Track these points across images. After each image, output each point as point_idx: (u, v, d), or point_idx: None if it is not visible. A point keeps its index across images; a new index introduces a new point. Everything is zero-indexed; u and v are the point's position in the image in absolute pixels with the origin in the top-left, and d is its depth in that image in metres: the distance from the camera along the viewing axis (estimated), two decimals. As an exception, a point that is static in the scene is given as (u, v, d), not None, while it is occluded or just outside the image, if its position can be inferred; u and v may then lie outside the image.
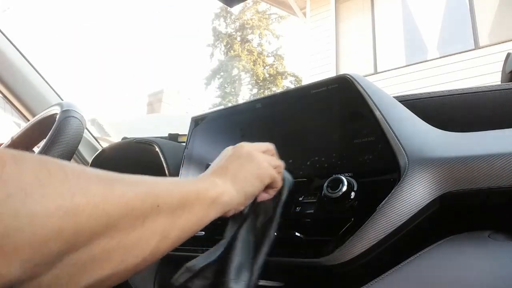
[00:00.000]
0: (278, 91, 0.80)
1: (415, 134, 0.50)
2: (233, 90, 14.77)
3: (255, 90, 14.31)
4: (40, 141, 0.96)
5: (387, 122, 0.48)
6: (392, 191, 0.43)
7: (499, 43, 4.00)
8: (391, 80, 4.51)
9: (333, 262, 0.43)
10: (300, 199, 0.51)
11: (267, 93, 11.90)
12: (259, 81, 14.09)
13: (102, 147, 1.22)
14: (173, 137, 1.08)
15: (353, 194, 0.45)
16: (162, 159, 0.80)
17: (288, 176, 0.49)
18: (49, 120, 0.88)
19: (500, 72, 0.74)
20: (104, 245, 0.25)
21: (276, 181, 0.45)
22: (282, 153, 0.49)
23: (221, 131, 0.70)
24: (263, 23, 14.15)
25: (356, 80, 0.54)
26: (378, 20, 4.99)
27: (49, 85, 1.14)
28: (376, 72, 4.81)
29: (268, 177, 0.43)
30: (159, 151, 0.83)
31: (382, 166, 0.46)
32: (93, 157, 1.08)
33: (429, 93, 0.64)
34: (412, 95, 0.65)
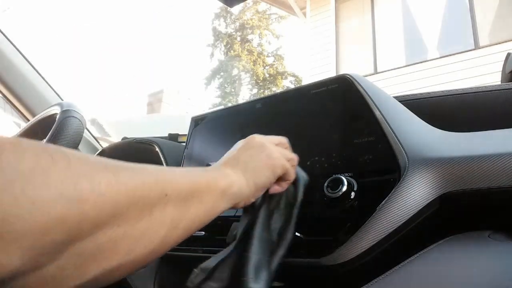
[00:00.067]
0: (278, 91, 0.80)
1: (415, 134, 0.50)
2: (233, 90, 14.77)
3: (255, 90, 14.31)
4: (40, 141, 0.96)
5: (387, 122, 0.48)
6: (392, 191, 0.43)
7: (499, 43, 4.00)
8: (391, 80, 4.51)
9: (333, 262, 0.43)
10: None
11: (267, 93, 11.90)
12: (259, 81, 14.09)
13: (102, 147, 1.22)
14: (173, 137, 1.08)
15: (353, 194, 0.45)
16: (162, 159, 0.80)
17: (303, 174, 0.48)
18: (49, 120, 0.88)
19: (500, 72, 0.74)
20: (110, 235, 0.24)
21: (289, 173, 0.44)
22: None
23: (221, 131, 0.70)
24: (263, 23, 14.15)
25: (356, 80, 0.54)
26: (378, 20, 4.99)
27: (49, 85, 1.15)
28: (376, 72, 4.81)
29: (280, 167, 0.42)
30: (159, 151, 0.83)
31: (382, 166, 0.46)
32: (93, 157, 1.08)
33: (429, 93, 0.64)
34: (412, 95, 0.65)
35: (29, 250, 0.20)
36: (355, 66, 4.93)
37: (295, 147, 0.48)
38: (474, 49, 4.20)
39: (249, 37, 14.49)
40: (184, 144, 0.75)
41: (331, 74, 3.60)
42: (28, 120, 1.08)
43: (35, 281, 0.21)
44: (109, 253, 0.25)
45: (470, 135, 0.51)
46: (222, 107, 0.79)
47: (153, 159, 0.82)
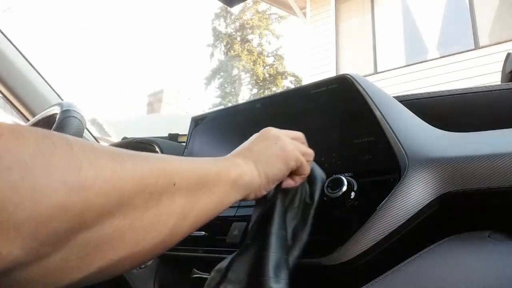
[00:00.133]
0: (278, 91, 0.80)
1: (415, 134, 0.50)
2: (233, 90, 14.77)
3: (255, 90, 14.31)
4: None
5: (387, 122, 0.48)
6: (392, 191, 0.43)
7: (499, 43, 4.00)
8: (391, 80, 4.51)
9: (333, 262, 0.43)
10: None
11: (267, 93, 11.90)
12: (259, 81, 14.09)
13: (102, 147, 1.21)
14: (173, 137, 1.09)
15: (353, 194, 0.45)
16: (162, 159, 0.80)
17: (321, 173, 0.46)
18: (49, 120, 0.88)
19: (500, 72, 0.74)
20: (116, 225, 0.23)
21: (303, 167, 0.42)
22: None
23: (221, 131, 0.70)
24: (263, 23, 14.15)
25: (356, 80, 0.54)
26: (378, 20, 4.99)
27: (49, 85, 1.15)
28: (376, 72, 4.81)
29: (293, 160, 0.40)
30: (159, 151, 0.83)
31: (382, 166, 0.46)
32: (93, 157, 1.08)
33: (429, 93, 0.64)
34: (412, 95, 0.65)
35: (30, 239, 0.19)
36: (355, 66, 4.93)
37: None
38: (474, 49, 4.19)
39: (249, 37, 14.49)
40: (184, 144, 0.75)
41: (331, 74, 3.61)
42: (28, 120, 1.08)
43: (38, 272, 0.20)
44: (115, 244, 0.24)
45: (470, 135, 0.51)
46: (222, 107, 0.79)
47: (153, 159, 0.81)
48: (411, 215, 0.42)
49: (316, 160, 0.53)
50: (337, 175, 0.47)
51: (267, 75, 14.18)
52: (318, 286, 0.50)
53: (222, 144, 0.69)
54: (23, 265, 0.19)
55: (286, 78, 14.12)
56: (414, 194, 0.43)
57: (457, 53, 4.28)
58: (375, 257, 0.42)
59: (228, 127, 0.69)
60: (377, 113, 0.50)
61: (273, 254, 0.37)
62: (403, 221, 0.42)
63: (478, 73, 3.94)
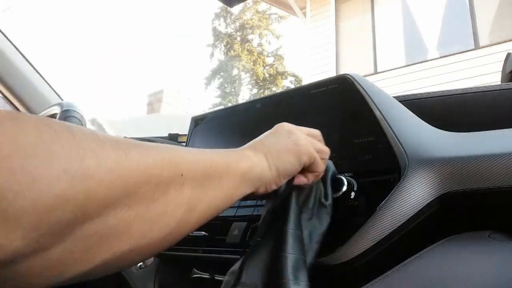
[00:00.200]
0: (278, 91, 0.80)
1: (415, 134, 0.50)
2: (233, 90, 14.78)
3: (255, 90, 14.32)
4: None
5: (387, 122, 0.48)
6: (392, 191, 0.43)
7: (499, 43, 4.00)
8: (391, 80, 4.51)
9: (333, 262, 0.43)
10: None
11: (267, 93, 11.90)
12: (259, 81, 14.09)
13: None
14: (173, 137, 1.09)
15: (353, 194, 0.45)
16: (162, 159, 0.80)
17: (336, 172, 0.45)
18: (49, 120, 0.88)
19: (500, 72, 0.74)
20: (122, 216, 0.22)
21: (317, 163, 0.40)
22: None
23: (221, 131, 0.70)
24: (263, 23, 14.16)
25: (356, 80, 0.54)
26: (378, 20, 4.99)
27: (49, 85, 1.15)
28: (376, 72, 4.81)
29: (306, 155, 0.39)
30: (159, 151, 0.83)
31: (382, 166, 0.46)
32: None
33: (429, 93, 0.64)
34: (412, 95, 0.65)
35: (31, 229, 0.18)
36: (355, 66, 4.93)
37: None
38: (474, 49, 4.20)
39: (249, 37, 14.50)
40: (184, 144, 0.75)
41: (331, 74, 3.61)
42: (28, 120, 1.08)
43: (40, 264, 0.20)
44: (121, 236, 0.23)
45: (470, 135, 0.51)
46: (222, 107, 0.79)
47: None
48: (411, 215, 0.42)
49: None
50: (337, 175, 0.47)
51: (267, 75, 14.18)
52: (318, 286, 0.50)
53: (222, 144, 0.69)
54: (24, 256, 0.19)
55: (286, 78, 14.13)
56: (414, 194, 0.43)
57: (457, 53, 4.29)
58: (375, 257, 0.42)
59: (228, 127, 0.69)
60: (377, 113, 0.50)
61: (291, 255, 0.36)
62: (403, 221, 0.42)
63: (478, 73, 3.94)
